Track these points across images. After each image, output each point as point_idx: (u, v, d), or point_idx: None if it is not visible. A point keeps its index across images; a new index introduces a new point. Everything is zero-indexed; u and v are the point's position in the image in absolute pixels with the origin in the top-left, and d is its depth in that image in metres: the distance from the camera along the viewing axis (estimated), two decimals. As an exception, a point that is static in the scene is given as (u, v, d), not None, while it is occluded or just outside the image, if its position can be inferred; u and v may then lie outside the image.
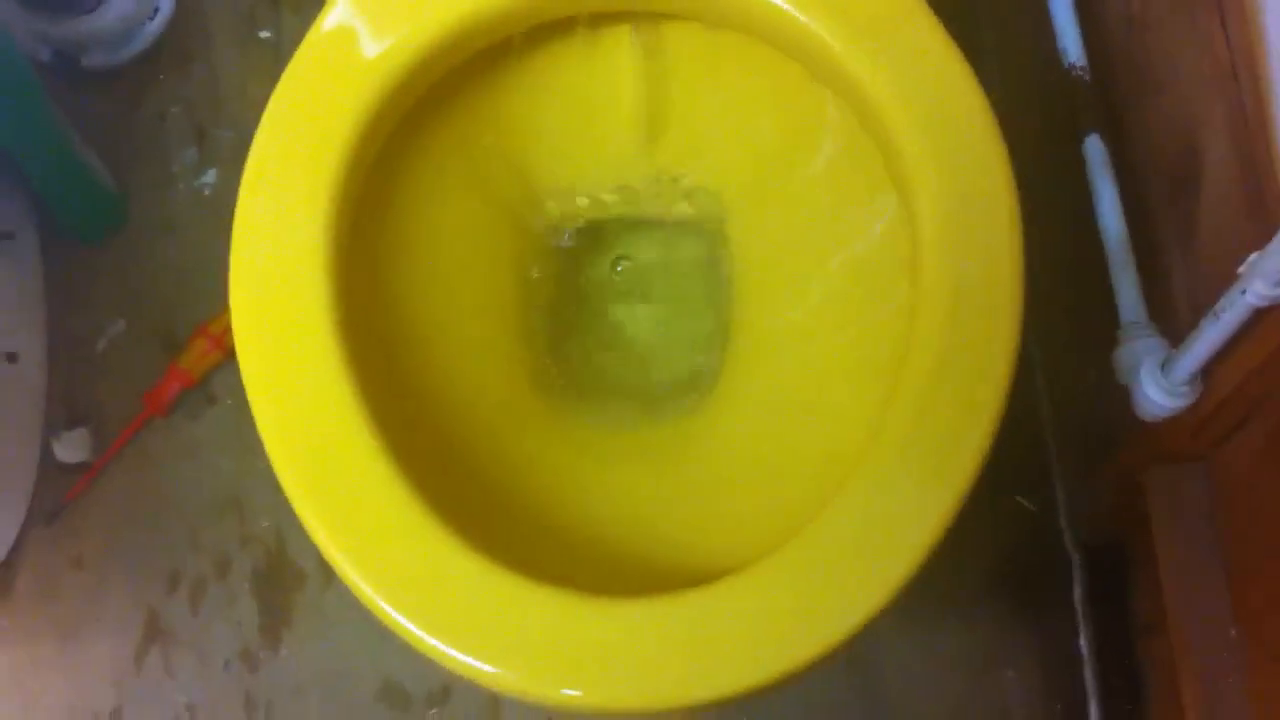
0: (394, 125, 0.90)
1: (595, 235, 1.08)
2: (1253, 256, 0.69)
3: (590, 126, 1.04)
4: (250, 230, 0.85)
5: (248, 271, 0.84)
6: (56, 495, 1.23)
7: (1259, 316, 0.72)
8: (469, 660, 0.74)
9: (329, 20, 0.89)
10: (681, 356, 1.06)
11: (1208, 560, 0.91)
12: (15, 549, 1.21)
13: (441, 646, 0.74)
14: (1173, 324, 0.88)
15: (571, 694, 0.74)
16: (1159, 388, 0.83)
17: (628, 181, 1.06)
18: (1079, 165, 0.95)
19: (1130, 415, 0.88)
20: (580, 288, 1.08)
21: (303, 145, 0.86)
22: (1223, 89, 0.80)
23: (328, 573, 1.19)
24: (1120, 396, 0.89)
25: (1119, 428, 1.00)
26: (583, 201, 1.06)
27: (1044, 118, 1.10)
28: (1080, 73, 0.97)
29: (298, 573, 1.20)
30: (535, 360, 1.04)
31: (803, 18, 0.87)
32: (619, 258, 1.08)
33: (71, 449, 1.23)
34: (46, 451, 1.24)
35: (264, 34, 1.37)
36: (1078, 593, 1.13)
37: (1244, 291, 0.70)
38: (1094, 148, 0.94)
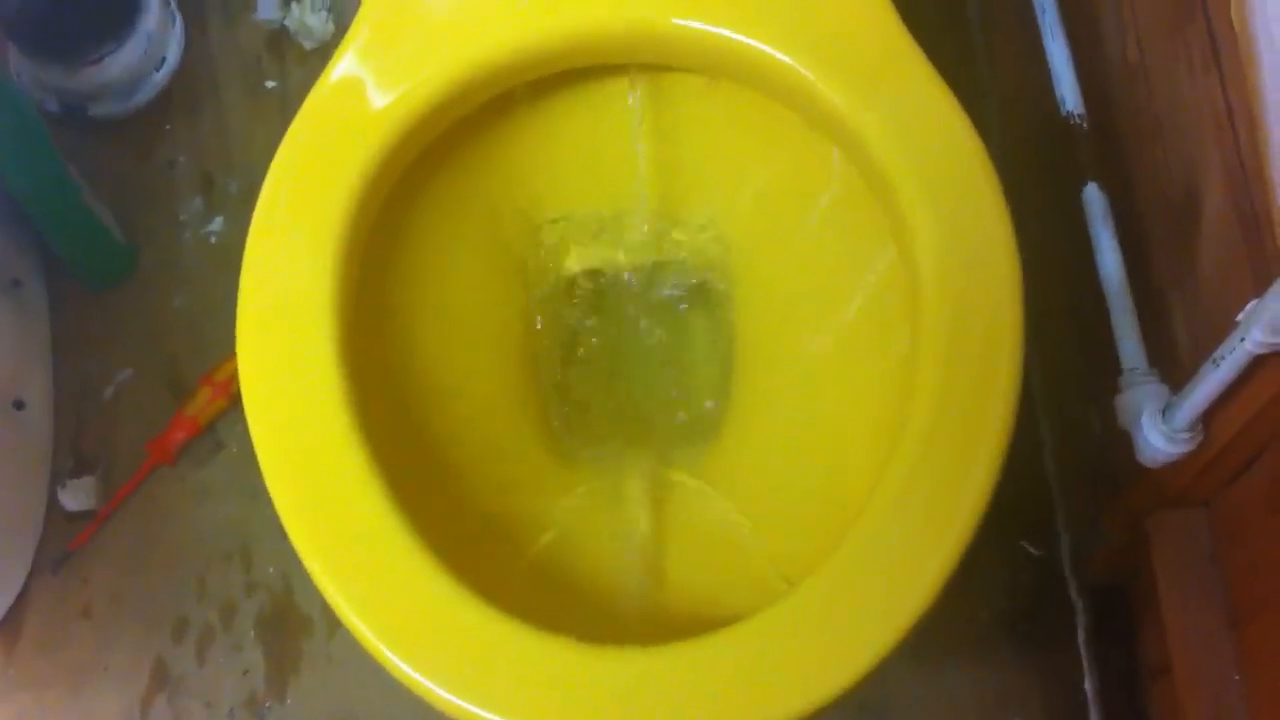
0: (401, 174, 0.91)
1: (599, 281, 1.09)
2: (1251, 304, 0.70)
3: (595, 174, 1.05)
4: (258, 278, 0.85)
5: (255, 319, 0.85)
6: (63, 543, 1.23)
7: (1258, 364, 0.73)
8: (478, 711, 0.74)
9: (337, 71, 0.90)
10: (685, 401, 1.07)
11: (1211, 605, 0.91)
12: (22, 597, 1.21)
13: (450, 697, 0.74)
14: (1174, 370, 0.88)
15: (579, 743, 0.74)
16: (1160, 434, 0.84)
17: (632, 228, 1.06)
18: (1078, 212, 0.96)
19: (1133, 461, 0.88)
20: (585, 332, 1.08)
21: (310, 193, 0.87)
22: (1219, 138, 0.81)
23: (334, 620, 1.19)
24: (1123, 442, 0.89)
25: (1123, 473, 1.00)
26: (587, 247, 1.07)
27: (1043, 165, 1.11)
28: (1078, 121, 0.98)
29: (304, 620, 1.20)
30: (540, 406, 1.04)
31: (800, 69, 0.88)
32: (622, 303, 1.09)
33: (78, 497, 1.23)
34: (53, 499, 1.24)
35: (270, 84, 1.39)
36: (1082, 637, 1.13)
37: (1243, 339, 0.70)
38: (1093, 196, 0.94)
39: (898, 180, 0.85)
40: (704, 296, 1.09)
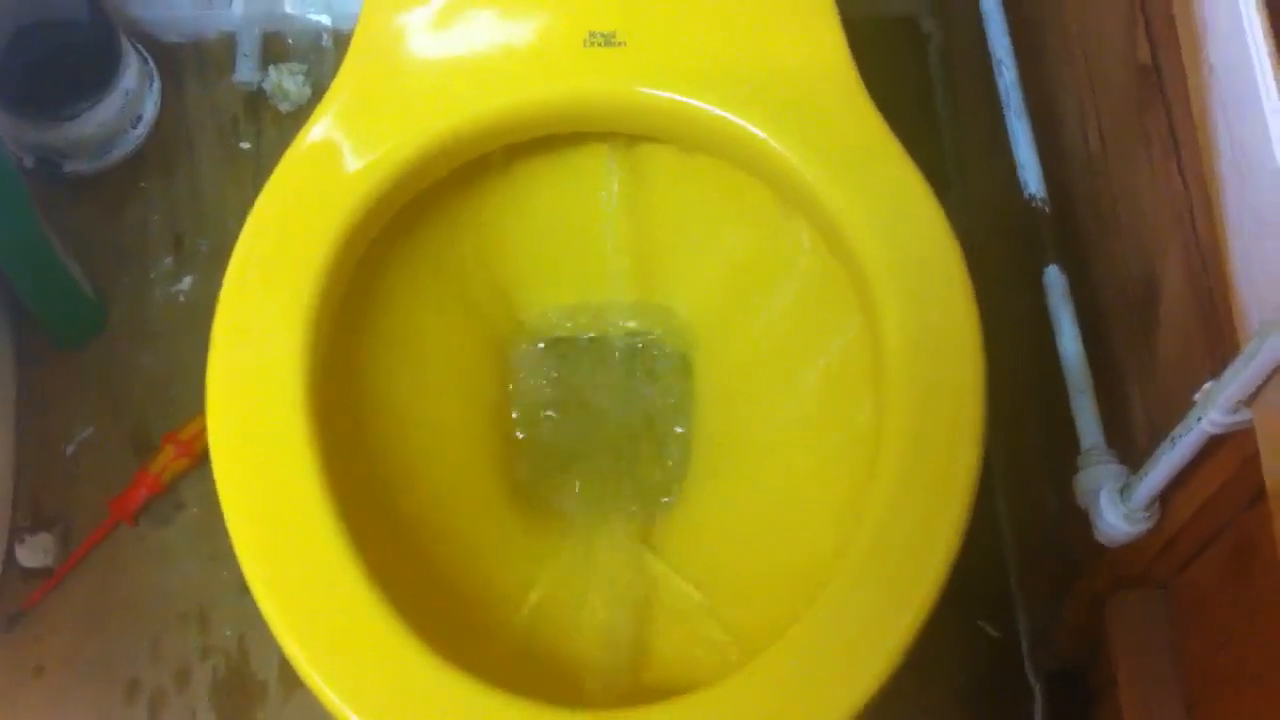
0: (374, 237, 0.91)
1: (569, 346, 1.09)
2: (1208, 384, 0.71)
3: (568, 241, 1.06)
4: (229, 339, 0.85)
5: (225, 382, 0.85)
6: (18, 601, 1.21)
7: (1214, 444, 0.74)
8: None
9: (313, 134, 0.91)
10: (650, 467, 1.07)
11: (1168, 689, 0.92)
12: (-26, 655, 1.19)
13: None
14: (1132, 450, 0.89)
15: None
16: (1118, 513, 0.84)
17: (603, 295, 1.07)
18: (1039, 294, 0.97)
19: (1091, 541, 0.89)
20: (554, 397, 1.09)
21: (283, 254, 0.87)
22: (1179, 224, 0.82)
23: (289, 685, 1.18)
24: (1081, 522, 0.90)
25: (1080, 554, 1.01)
26: (558, 313, 1.08)
27: (1005, 249, 1.12)
28: (1040, 205, 0.99)
29: (259, 686, 1.19)
30: (510, 468, 1.04)
31: (777, 145, 0.89)
32: (591, 370, 1.10)
33: (35, 554, 1.22)
34: (10, 556, 1.23)
35: (244, 145, 1.40)
36: (1039, 721, 1.13)
37: (1200, 419, 0.71)
38: (1054, 278, 0.95)
39: (868, 259, 0.86)
40: (671, 365, 1.09)
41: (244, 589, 1.18)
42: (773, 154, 0.89)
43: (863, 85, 0.92)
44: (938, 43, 1.42)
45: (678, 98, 0.91)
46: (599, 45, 0.92)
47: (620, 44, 0.92)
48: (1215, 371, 0.70)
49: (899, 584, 0.78)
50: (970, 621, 1.19)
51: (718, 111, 0.90)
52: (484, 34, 0.93)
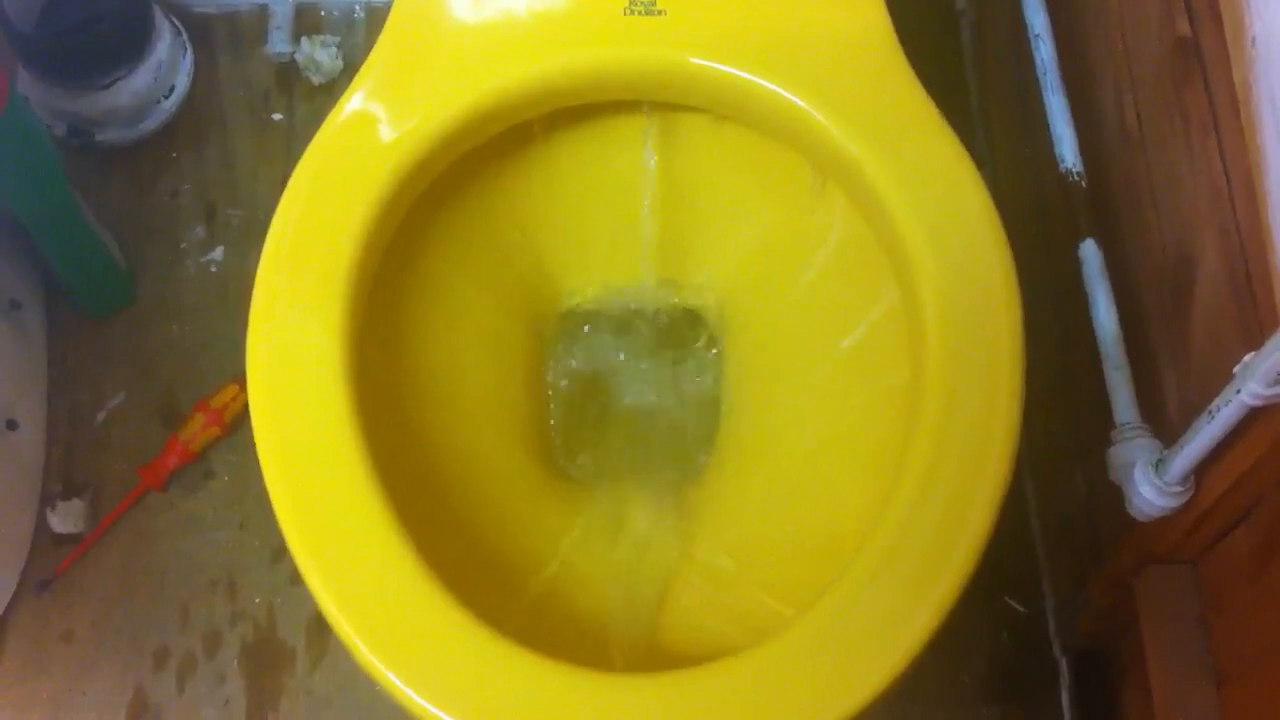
0: (412, 205, 0.91)
1: (603, 316, 1.10)
2: (1248, 357, 0.71)
3: (603, 210, 1.06)
4: (268, 309, 0.86)
5: (265, 350, 0.85)
6: (49, 566, 1.22)
7: (1253, 416, 0.73)
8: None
9: (350, 103, 0.91)
10: (681, 437, 1.07)
11: (1197, 665, 0.91)
12: (5, 619, 1.20)
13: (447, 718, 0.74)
14: (1165, 426, 0.89)
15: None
16: (1153, 487, 0.84)
17: (637, 266, 1.07)
18: (1068, 273, 0.97)
19: (1122, 516, 0.89)
20: (585, 368, 1.09)
21: (321, 224, 0.87)
22: (1216, 201, 0.82)
23: (317, 652, 1.19)
24: (1110, 500, 0.90)
25: (1108, 533, 1.01)
26: (592, 283, 1.08)
27: (1036, 224, 1.12)
28: (1077, 179, 0.99)
29: (287, 652, 1.20)
30: (543, 435, 1.05)
31: (815, 113, 0.89)
32: (625, 342, 1.10)
33: (66, 520, 1.23)
34: (41, 521, 1.23)
35: (276, 116, 1.40)
36: (1065, 697, 1.13)
37: (1239, 390, 0.71)
38: (1090, 252, 0.95)
39: (906, 228, 0.86)
40: (704, 336, 1.09)
41: (273, 557, 1.21)
42: (812, 123, 0.89)
43: (903, 54, 0.91)
44: (970, 19, 1.41)
45: (718, 66, 0.91)
46: (639, 13, 0.92)
47: (660, 12, 0.92)
48: (1252, 345, 0.70)
49: (932, 559, 0.78)
50: (997, 597, 1.19)
51: (758, 80, 0.90)
52: (523, 2, 0.93)
